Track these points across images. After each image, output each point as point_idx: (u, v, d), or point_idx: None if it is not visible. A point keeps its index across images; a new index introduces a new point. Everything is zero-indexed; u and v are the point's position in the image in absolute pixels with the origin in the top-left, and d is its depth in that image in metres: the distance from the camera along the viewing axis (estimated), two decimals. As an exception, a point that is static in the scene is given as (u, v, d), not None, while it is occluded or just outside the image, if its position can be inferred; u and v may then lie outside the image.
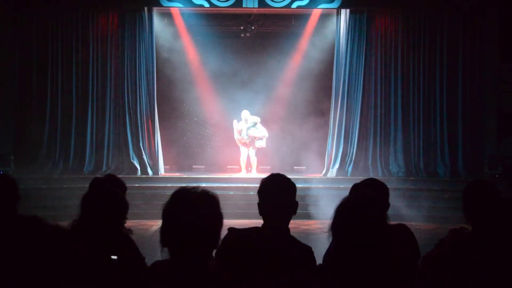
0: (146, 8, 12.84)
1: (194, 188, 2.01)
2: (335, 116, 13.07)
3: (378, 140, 12.97)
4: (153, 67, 12.93)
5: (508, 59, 12.43)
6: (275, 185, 2.68)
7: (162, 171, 13.13)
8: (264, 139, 13.18)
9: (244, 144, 13.18)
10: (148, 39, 12.82)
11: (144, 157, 12.68)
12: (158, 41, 13.77)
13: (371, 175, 12.35)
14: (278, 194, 2.65)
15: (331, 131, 13.20)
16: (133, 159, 12.63)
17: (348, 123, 13.00)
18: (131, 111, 12.78)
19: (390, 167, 12.94)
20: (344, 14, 13.03)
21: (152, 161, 12.81)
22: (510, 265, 2.60)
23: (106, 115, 12.80)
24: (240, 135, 13.11)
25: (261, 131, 13.13)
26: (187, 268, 1.93)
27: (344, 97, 12.96)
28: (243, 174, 13.11)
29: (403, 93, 13.00)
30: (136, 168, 12.52)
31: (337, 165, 12.94)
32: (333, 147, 13.07)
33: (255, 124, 13.09)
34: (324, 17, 13.80)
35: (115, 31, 12.82)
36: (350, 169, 12.88)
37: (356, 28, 12.91)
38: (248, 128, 13.04)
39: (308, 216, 10.00)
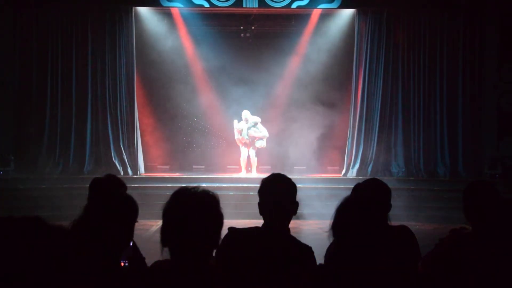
0: (132, 9, 12.78)
1: (194, 188, 2.01)
2: (355, 116, 13.05)
3: (400, 139, 12.94)
4: (132, 67, 12.87)
5: (508, 59, 12.41)
6: (276, 185, 2.68)
7: (142, 171, 13.09)
8: (264, 139, 13.18)
9: (244, 144, 13.17)
10: (126, 40, 12.73)
11: (124, 156, 12.68)
12: (157, 42, 13.82)
13: (392, 174, 12.53)
14: (278, 194, 2.65)
15: (350, 131, 13.18)
16: (114, 159, 12.62)
17: (368, 123, 12.97)
18: (112, 111, 12.77)
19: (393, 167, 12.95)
20: (363, 14, 13.00)
21: (132, 161, 12.78)
22: (510, 265, 2.60)
23: (106, 115, 12.80)
24: (240, 135, 13.11)
25: (262, 131, 13.13)
26: (187, 268, 1.93)
27: (364, 97, 12.94)
28: (243, 174, 13.11)
29: (403, 94, 12.99)
30: (117, 168, 12.47)
31: (357, 165, 12.93)
32: (353, 147, 13.05)
33: (255, 124, 13.08)
34: (324, 17, 13.81)
35: (100, 33, 12.70)
36: (370, 169, 12.86)
37: (375, 28, 12.88)
38: (248, 128, 13.04)
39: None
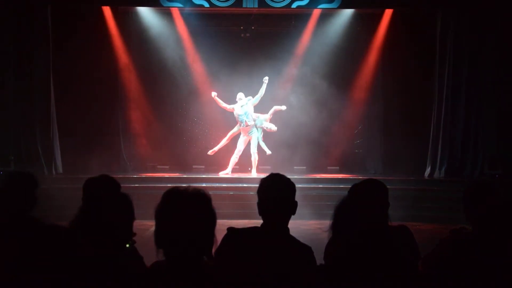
0: (48, 6, 12.40)
1: (184, 187, 2.01)
2: (440, 115, 12.83)
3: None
4: (48, 64, 12.47)
5: (507, 59, 12.36)
6: (274, 185, 2.68)
7: (60, 170, 12.72)
8: (269, 120, 12.80)
9: (244, 130, 12.74)
10: (42, 34, 12.37)
11: (41, 156, 12.37)
12: (157, 42, 13.83)
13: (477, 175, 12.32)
14: (277, 193, 2.65)
15: (433, 130, 12.96)
16: (36, 158, 12.28)
17: (454, 123, 12.75)
18: (27, 109, 12.39)
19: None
20: (443, 15, 12.80)
21: (48, 160, 12.45)
22: (510, 265, 2.59)
23: (25, 114, 12.47)
24: (241, 107, 12.65)
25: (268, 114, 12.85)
26: (183, 268, 1.92)
27: (449, 97, 12.73)
28: (224, 173, 12.74)
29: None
30: (37, 168, 12.07)
31: (444, 166, 12.69)
32: (438, 146, 12.80)
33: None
34: (325, 16, 13.82)
35: (17, 27, 12.22)
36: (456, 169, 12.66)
37: (460, 28, 12.62)
38: (246, 104, 12.62)
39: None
